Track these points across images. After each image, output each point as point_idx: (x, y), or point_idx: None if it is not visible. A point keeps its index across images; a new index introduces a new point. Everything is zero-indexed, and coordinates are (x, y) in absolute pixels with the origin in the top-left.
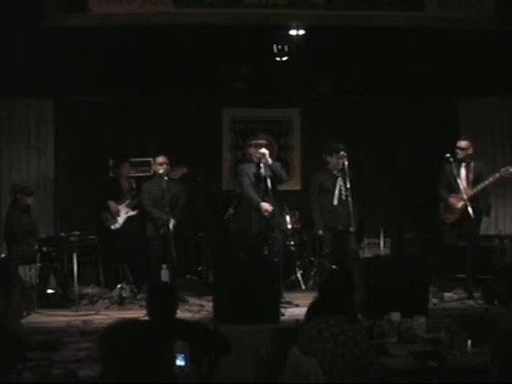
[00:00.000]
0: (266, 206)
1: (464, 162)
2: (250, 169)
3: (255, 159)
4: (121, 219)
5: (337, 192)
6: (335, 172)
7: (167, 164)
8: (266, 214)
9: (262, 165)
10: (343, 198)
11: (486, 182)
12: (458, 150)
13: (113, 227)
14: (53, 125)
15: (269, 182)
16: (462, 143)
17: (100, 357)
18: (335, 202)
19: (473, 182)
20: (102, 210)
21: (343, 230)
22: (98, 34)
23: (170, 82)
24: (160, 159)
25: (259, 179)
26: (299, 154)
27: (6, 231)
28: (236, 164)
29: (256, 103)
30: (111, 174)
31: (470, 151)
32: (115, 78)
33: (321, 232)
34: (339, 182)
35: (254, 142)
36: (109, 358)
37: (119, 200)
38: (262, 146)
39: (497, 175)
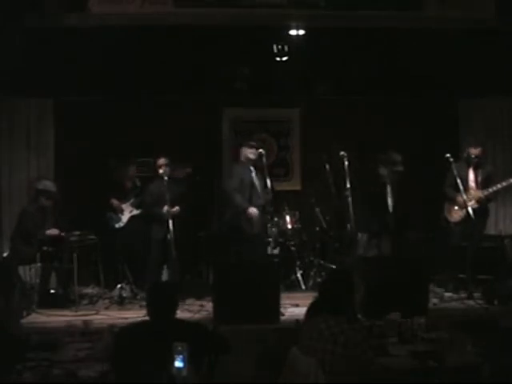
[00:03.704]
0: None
1: (476, 166)
2: (242, 170)
3: (245, 160)
4: (125, 218)
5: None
6: None
7: (167, 165)
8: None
9: (251, 167)
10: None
11: (499, 186)
12: (473, 157)
13: (117, 226)
14: (53, 125)
15: (268, 182)
16: (477, 151)
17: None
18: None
19: (482, 184)
20: (106, 209)
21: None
22: (97, 33)
23: (170, 82)
24: (161, 161)
25: (249, 181)
26: (299, 154)
27: (17, 229)
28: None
29: (256, 103)
30: (116, 174)
31: (484, 155)
32: (115, 78)
33: None
34: None
35: (246, 142)
36: (112, 358)
37: (123, 199)
38: (254, 147)
39: (511, 180)
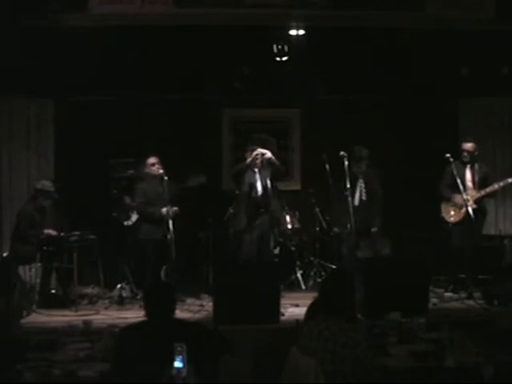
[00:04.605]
0: None
1: (469, 163)
2: (247, 175)
3: (251, 164)
4: (134, 217)
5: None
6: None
7: (158, 163)
8: None
9: (256, 169)
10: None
11: (496, 186)
12: (465, 153)
13: (125, 223)
14: (53, 125)
15: (268, 182)
16: (469, 145)
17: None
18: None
19: (479, 183)
20: (115, 206)
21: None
22: (97, 33)
23: (170, 82)
24: (152, 160)
25: (255, 186)
26: (299, 154)
27: (16, 229)
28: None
29: (256, 103)
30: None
31: (476, 153)
32: (115, 77)
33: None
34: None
35: (250, 147)
36: (113, 358)
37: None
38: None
39: (509, 180)
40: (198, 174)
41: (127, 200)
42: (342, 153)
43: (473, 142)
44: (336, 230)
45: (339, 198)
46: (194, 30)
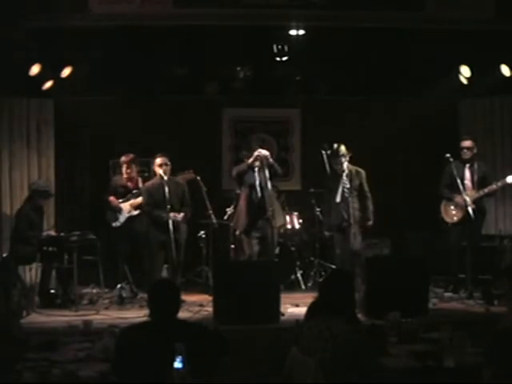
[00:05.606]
0: None
1: (468, 162)
2: (247, 176)
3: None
4: (122, 217)
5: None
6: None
7: (167, 164)
8: None
9: (256, 169)
10: (346, 195)
11: (494, 186)
12: (465, 150)
13: (114, 224)
14: (53, 125)
15: (269, 183)
16: (468, 142)
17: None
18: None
19: (478, 183)
20: (106, 208)
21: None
22: (97, 33)
23: (169, 82)
24: (159, 160)
25: (255, 186)
26: (299, 153)
27: (15, 229)
28: (236, 164)
29: (256, 103)
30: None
31: (475, 150)
32: (115, 77)
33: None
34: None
35: (245, 153)
36: (113, 358)
37: (123, 198)
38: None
39: (506, 181)
40: (186, 171)
41: (113, 201)
42: (341, 153)
43: (471, 139)
44: (326, 233)
45: (328, 195)
46: (194, 30)
